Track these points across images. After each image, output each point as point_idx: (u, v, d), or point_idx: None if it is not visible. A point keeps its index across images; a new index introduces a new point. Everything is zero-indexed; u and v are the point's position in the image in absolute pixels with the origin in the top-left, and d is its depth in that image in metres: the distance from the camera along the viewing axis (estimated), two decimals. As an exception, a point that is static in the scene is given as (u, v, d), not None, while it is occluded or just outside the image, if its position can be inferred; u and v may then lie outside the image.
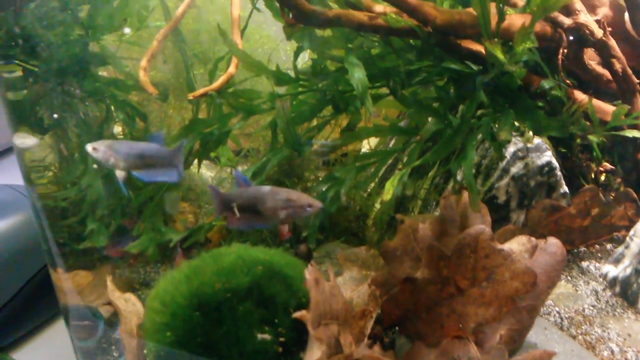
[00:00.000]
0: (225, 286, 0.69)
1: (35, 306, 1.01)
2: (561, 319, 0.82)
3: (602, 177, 1.00)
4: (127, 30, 0.94)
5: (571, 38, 0.90)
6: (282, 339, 0.69)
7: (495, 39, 0.76)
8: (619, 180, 0.99)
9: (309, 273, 0.67)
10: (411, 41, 0.89)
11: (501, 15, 0.75)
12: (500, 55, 0.73)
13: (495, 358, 0.71)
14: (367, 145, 1.11)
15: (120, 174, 0.70)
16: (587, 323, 0.81)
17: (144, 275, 0.93)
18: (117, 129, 1.01)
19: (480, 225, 0.76)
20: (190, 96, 0.88)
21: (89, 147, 0.71)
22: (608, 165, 0.98)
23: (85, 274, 0.81)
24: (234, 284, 0.69)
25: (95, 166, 0.85)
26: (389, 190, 0.77)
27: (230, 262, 0.71)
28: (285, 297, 0.71)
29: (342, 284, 0.86)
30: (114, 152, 0.70)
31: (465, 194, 0.79)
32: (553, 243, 0.74)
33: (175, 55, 1.07)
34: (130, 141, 0.75)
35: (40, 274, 0.99)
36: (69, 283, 0.77)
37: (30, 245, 1.00)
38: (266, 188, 0.72)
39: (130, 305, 0.77)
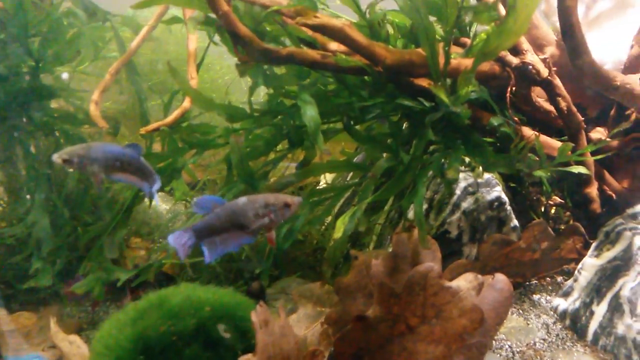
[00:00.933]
0: (171, 329, 0.67)
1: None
2: (512, 353, 0.83)
3: (552, 210, 1.02)
4: (64, 75, 0.92)
5: (519, 76, 0.92)
6: None
7: (443, 79, 0.78)
8: (568, 213, 1.01)
9: (256, 315, 0.66)
10: (365, 78, 0.90)
11: (447, 57, 0.77)
12: (444, 97, 0.74)
13: (446, 397, 0.71)
14: (324, 178, 1.11)
15: (96, 176, 0.68)
16: (538, 357, 0.82)
17: (93, 315, 0.91)
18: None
19: (429, 262, 0.76)
20: (143, 131, 0.87)
21: (57, 159, 0.67)
22: (557, 199, 1.00)
23: (29, 315, 0.78)
24: (180, 326, 0.68)
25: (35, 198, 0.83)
26: (340, 228, 0.77)
27: (176, 304, 0.69)
28: (233, 338, 0.70)
29: (296, 322, 0.85)
30: (90, 160, 0.68)
31: (416, 231, 0.80)
32: (500, 280, 0.75)
33: (129, 87, 1.06)
34: (103, 145, 0.71)
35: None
36: (12, 325, 0.74)
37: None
38: (242, 199, 0.69)
39: (75, 348, 0.74)
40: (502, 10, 0.79)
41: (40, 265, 0.79)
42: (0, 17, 0.89)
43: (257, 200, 0.69)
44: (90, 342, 0.76)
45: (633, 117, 0.89)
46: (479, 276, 0.73)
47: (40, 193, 0.86)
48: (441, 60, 0.79)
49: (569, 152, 0.88)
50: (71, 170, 0.98)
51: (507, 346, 0.84)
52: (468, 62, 0.80)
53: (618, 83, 0.82)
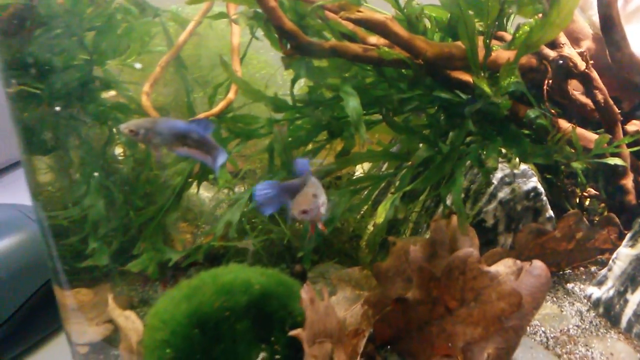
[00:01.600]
0: (224, 305, 0.71)
1: (35, 322, 1.02)
2: (547, 338, 0.85)
3: (587, 202, 1.04)
4: (137, 65, 0.97)
5: (556, 69, 0.94)
6: (278, 357, 0.71)
7: (483, 72, 0.80)
8: (602, 205, 1.03)
9: (305, 292, 0.70)
10: (403, 71, 0.93)
11: (488, 50, 0.79)
12: (486, 88, 0.77)
13: (483, 377, 0.74)
14: (361, 168, 1.14)
15: (157, 149, 0.71)
16: (572, 342, 0.84)
17: (142, 294, 0.96)
18: (119, 150, 1.04)
19: (469, 248, 0.79)
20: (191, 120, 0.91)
21: (124, 129, 0.70)
22: (592, 191, 1.02)
23: (87, 291, 0.84)
24: (233, 303, 0.72)
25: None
26: (382, 214, 0.80)
27: (228, 281, 0.73)
28: (281, 315, 0.73)
29: (335, 304, 0.89)
30: (155, 133, 0.70)
31: (455, 218, 0.82)
32: (538, 266, 0.77)
33: (176, 80, 1.10)
34: (168, 119, 0.74)
35: (41, 291, 1.01)
36: (72, 300, 0.79)
37: (32, 263, 1.02)
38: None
39: (130, 323, 0.79)
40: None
41: (97, 246, 0.84)
42: (59, 12, 0.95)
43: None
44: (144, 318, 0.81)
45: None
46: (518, 262, 0.75)
47: (95, 179, 0.91)
48: (481, 53, 0.81)
49: (606, 144, 0.89)
50: (121, 157, 1.03)
51: (541, 332, 0.86)
52: (508, 54, 0.82)
53: (657, 75, 0.84)
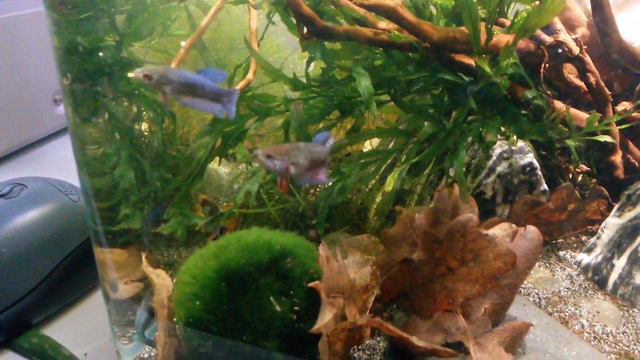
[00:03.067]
0: (249, 261, 0.79)
1: (66, 285, 1.11)
2: (539, 299, 0.93)
3: (579, 178, 1.12)
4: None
5: (552, 54, 1.01)
6: (296, 308, 0.79)
7: (484, 55, 0.88)
8: (594, 180, 1.10)
9: (322, 250, 0.78)
10: (410, 54, 1.00)
11: (489, 34, 0.87)
12: (487, 68, 0.84)
13: (480, 328, 0.82)
14: (370, 147, 1.22)
15: (165, 96, 0.72)
16: (562, 302, 0.93)
17: (168, 258, 1.04)
18: (145, 125, 1.12)
19: (469, 213, 0.87)
20: (214, 98, 0.99)
21: (138, 73, 0.72)
22: (584, 167, 1.09)
23: (120, 252, 0.92)
24: (256, 259, 0.79)
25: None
26: (390, 183, 0.88)
27: (252, 241, 0.81)
28: (299, 273, 0.81)
29: (346, 267, 0.97)
30: (167, 80, 0.72)
31: (456, 188, 0.90)
32: (531, 230, 0.85)
33: (197, 62, 1.18)
34: (183, 70, 0.73)
35: (70, 256, 1.10)
36: (109, 258, 0.87)
37: (62, 230, 1.10)
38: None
39: (161, 280, 0.87)
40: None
41: (129, 211, 0.92)
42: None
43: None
44: (173, 277, 0.90)
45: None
46: (513, 225, 0.83)
47: (125, 150, 0.99)
48: (483, 37, 0.89)
49: (596, 122, 0.97)
50: (147, 133, 1.10)
51: (534, 293, 0.95)
52: (507, 38, 0.89)
53: (643, 58, 0.91)
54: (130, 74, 0.76)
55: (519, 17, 0.83)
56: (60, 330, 1.07)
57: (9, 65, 1.71)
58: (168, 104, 0.76)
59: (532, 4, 0.79)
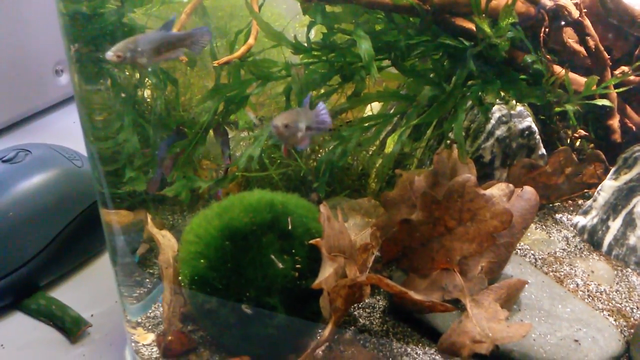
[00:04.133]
0: (252, 220, 0.81)
1: (72, 249, 1.14)
2: (535, 259, 0.96)
3: (577, 143, 1.13)
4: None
5: (552, 18, 1.01)
6: (298, 266, 0.82)
7: (484, 16, 0.88)
8: (591, 145, 1.12)
9: (324, 209, 0.80)
10: (411, 19, 1.01)
11: (488, -4, 0.87)
12: (487, 29, 0.85)
13: (476, 286, 0.84)
14: (371, 109, 1.23)
15: (145, 66, 0.74)
16: (558, 263, 0.95)
17: (172, 222, 1.06)
18: (147, 92, 1.13)
19: (467, 174, 0.89)
20: (216, 63, 1.00)
21: (112, 57, 0.72)
22: (582, 132, 1.11)
23: (127, 213, 0.94)
24: (259, 219, 0.81)
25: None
26: (390, 145, 0.90)
27: (254, 201, 0.83)
28: (300, 232, 0.83)
29: (347, 229, 0.99)
30: (140, 53, 0.72)
31: (455, 150, 0.92)
32: (528, 190, 0.87)
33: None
34: (145, 35, 0.74)
35: (75, 221, 1.12)
36: (115, 220, 0.89)
37: (66, 194, 1.12)
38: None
39: (166, 240, 0.90)
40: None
41: (134, 175, 0.94)
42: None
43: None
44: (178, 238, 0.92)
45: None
46: (510, 185, 0.85)
47: (128, 115, 1.00)
48: (483, 0, 0.89)
49: (595, 86, 0.98)
50: (149, 99, 1.11)
51: (530, 254, 0.97)
52: (504, 2, 0.90)
53: (642, 20, 0.92)
54: (106, 55, 0.76)
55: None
56: (67, 294, 1.10)
57: (12, 37, 1.71)
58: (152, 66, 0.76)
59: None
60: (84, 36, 1.02)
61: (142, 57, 0.75)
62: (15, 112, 1.80)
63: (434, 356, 0.81)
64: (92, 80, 0.92)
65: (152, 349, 0.87)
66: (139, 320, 0.90)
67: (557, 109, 1.05)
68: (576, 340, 0.79)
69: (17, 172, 1.10)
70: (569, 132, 1.09)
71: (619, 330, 0.82)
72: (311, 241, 0.77)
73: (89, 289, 1.11)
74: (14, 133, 1.78)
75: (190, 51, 0.79)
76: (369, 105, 1.18)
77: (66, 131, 1.78)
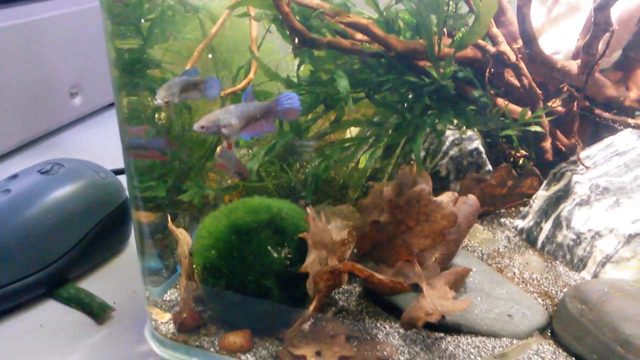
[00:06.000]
0: (253, 219, 0.98)
1: (97, 247, 1.34)
2: (482, 254, 1.17)
3: (520, 160, 1.37)
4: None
5: (495, 61, 1.25)
6: (289, 256, 0.93)
7: (437, 62, 1.12)
8: (531, 163, 1.35)
9: (310, 210, 1.01)
10: (382, 60, 1.24)
11: (439, 47, 1.11)
12: (435, 74, 1.08)
13: (431, 273, 1.04)
14: (349, 133, 1.46)
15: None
16: (500, 256, 1.17)
17: (184, 224, 1.27)
18: (162, 114, 1.34)
19: (424, 185, 1.11)
20: (223, 94, 1.22)
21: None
22: (523, 152, 1.34)
23: (147, 214, 1.14)
24: (259, 218, 0.97)
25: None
26: (363, 161, 1.12)
27: (255, 204, 1.03)
28: (291, 229, 1.00)
29: (329, 229, 1.20)
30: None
31: (415, 166, 1.14)
32: (471, 198, 1.09)
33: (207, 61, 1.41)
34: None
35: (100, 223, 1.32)
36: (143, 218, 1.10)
37: (94, 201, 1.32)
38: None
39: (183, 237, 1.10)
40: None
41: (154, 183, 1.15)
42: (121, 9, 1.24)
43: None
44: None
45: (565, 89, 1.22)
46: (456, 193, 1.07)
47: (149, 134, 1.22)
48: (436, 48, 1.13)
49: (528, 115, 1.21)
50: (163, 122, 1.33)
51: (478, 250, 1.19)
52: (451, 50, 1.14)
53: (558, 66, 1.16)
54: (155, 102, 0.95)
55: (458, 36, 1.07)
56: (93, 284, 1.30)
57: (33, 64, 1.92)
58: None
59: (464, 27, 1.04)
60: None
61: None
62: (35, 130, 2.01)
63: (398, 329, 0.99)
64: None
65: (169, 325, 1.06)
66: (158, 301, 1.10)
67: (502, 133, 1.29)
68: (510, 315, 0.99)
69: (53, 182, 1.30)
70: (513, 152, 1.33)
71: (545, 307, 1.02)
72: (300, 235, 0.98)
73: (111, 281, 1.31)
74: (34, 148, 1.98)
75: (204, 95, 0.98)
76: (348, 129, 1.41)
77: (79, 147, 1.99)
